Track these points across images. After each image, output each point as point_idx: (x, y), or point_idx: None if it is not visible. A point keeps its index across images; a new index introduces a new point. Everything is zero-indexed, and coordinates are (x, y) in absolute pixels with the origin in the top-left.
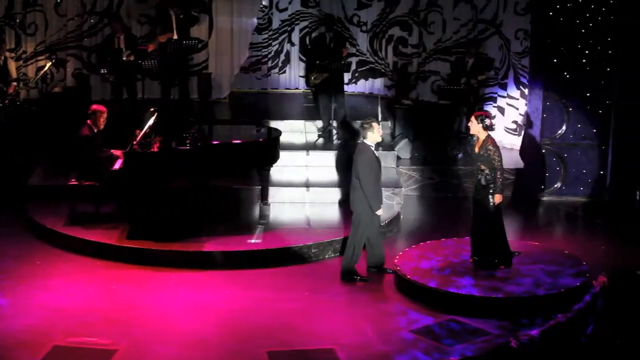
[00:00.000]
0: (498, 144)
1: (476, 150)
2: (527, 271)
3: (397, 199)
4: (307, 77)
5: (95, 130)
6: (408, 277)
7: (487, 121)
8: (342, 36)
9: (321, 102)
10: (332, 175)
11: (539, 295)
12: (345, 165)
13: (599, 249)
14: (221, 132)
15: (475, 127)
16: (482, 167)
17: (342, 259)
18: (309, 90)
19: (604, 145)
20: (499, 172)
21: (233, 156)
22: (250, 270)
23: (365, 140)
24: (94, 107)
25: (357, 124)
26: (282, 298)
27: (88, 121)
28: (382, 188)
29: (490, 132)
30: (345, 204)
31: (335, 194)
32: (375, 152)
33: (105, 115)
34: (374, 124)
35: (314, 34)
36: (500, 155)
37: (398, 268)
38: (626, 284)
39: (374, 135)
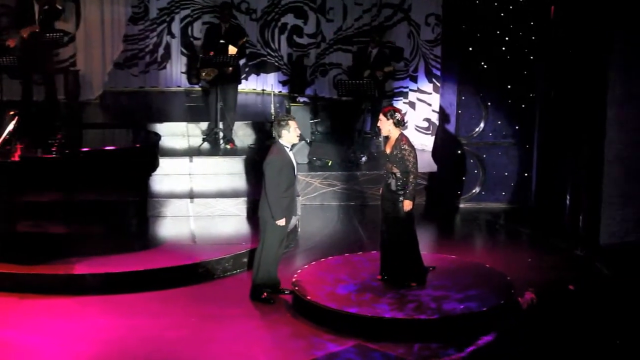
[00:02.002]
0: None
1: (388, 150)
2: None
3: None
4: (189, 73)
5: None
6: (309, 297)
7: (398, 116)
8: (239, 27)
9: (208, 102)
10: (220, 183)
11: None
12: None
13: (524, 262)
14: (92, 138)
15: (386, 125)
16: (394, 169)
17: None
18: (192, 89)
19: (527, 144)
20: (412, 176)
21: (106, 165)
22: (129, 295)
23: (280, 140)
24: None
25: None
26: (164, 325)
27: None
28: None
29: (402, 130)
30: (239, 216)
31: (224, 204)
32: (290, 154)
33: None
34: (291, 122)
35: (206, 25)
36: (415, 157)
37: (297, 288)
38: (556, 300)
39: (289, 134)
